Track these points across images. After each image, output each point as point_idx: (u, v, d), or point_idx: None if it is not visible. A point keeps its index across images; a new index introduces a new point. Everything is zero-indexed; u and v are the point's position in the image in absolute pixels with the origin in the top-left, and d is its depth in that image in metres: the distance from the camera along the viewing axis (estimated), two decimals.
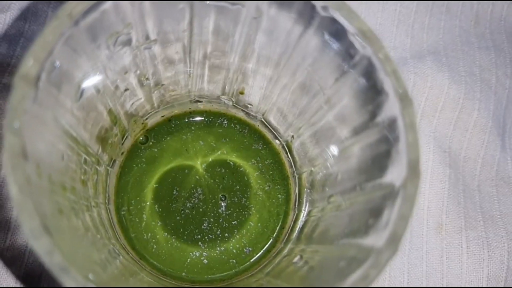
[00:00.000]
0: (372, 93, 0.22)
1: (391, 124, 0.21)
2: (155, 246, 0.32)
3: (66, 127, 0.23)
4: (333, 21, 0.21)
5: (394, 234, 0.19)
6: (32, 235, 0.17)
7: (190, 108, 0.34)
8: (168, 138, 0.34)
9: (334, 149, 0.27)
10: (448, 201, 0.37)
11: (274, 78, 0.28)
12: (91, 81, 0.24)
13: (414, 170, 0.20)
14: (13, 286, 0.32)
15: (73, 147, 0.24)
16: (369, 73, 0.22)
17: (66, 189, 0.23)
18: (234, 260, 0.32)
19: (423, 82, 0.40)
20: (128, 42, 0.24)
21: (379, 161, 0.22)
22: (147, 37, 0.25)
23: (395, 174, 0.21)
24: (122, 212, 0.32)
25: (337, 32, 0.22)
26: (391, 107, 0.21)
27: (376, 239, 0.20)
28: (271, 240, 0.33)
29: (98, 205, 0.29)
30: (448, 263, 0.35)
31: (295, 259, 0.28)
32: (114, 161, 0.32)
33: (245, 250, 0.33)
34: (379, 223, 0.20)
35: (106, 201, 0.31)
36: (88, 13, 0.20)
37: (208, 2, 0.23)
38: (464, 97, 0.39)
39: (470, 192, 0.38)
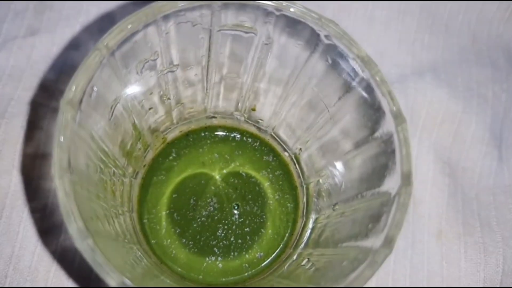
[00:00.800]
0: (371, 111, 0.25)
1: (388, 139, 0.24)
2: (174, 252, 0.35)
3: (100, 143, 0.26)
4: (335, 47, 0.24)
5: (389, 236, 0.22)
6: (76, 236, 0.20)
7: (205, 124, 0.37)
8: (186, 151, 0.37)
9: (338, 161, 0.29)
10: (447, 209, 0.39)
11: (284, 96, 0.31)
12: (121, 102, 0.27)
13: (407, 180, 0.22)
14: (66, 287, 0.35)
15: (105, 161, 0.27)
16: (368, 93, 0.24)
17: (100, 198, 0.26)
18: (247, 265, 0.35)
19: (423, 97, 0.42)
20: (153, 67, 0.27)
21: (378, 171, 0.25)
22: (171, 63, 0.28)
23: (391, 184, 0.23)
24: (144, 220, 0.35)
25: (339, 57, 0.25)
26: (387, 124, 0.24)
27: (374, 241, 0.22)
28: (281, 245, 0.35)
29: (124, 213, 0.32)
30: (447, 267, 0.38)
31: (303, 262, 0.30)
32: (137, 173, 0.35)
33: (257, 255, 0.35)
34: (377, 227, 0.23)
35: (130, 210, 0.34)
36: (123, 44, 0.23)
37: (224, 31, 0.26)
38: (462, 110, 0.42)
39: (468, 201, 0.40)
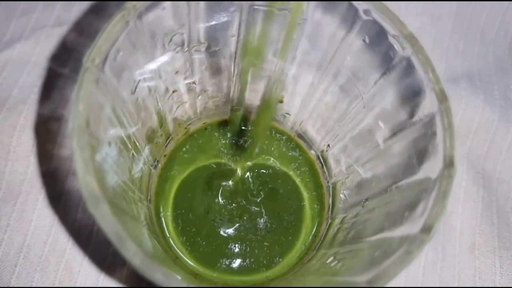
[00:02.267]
0: (410, 93, 0.23)
1: (429, 121, 0.22)
2: (189, 248, 0.33)
3: (121, 117, 0.25)
4: (375, 24, 0.23)
5: (428, 222, 0.20)
6: (91, 198, 0.18)
7: (230, 117, 0.36)
8: (208, 144, 0.36)
9: (371, 152, 0.28)
10: (481, 221, 0.37)
11: (315, 83, 0.29)
12: (145, 78, 0.26)
13: (450, 162, 0.20)
14: None
15: (124, 140, 0.26)
16: (407, 73, 0.23)
17: (118, 174, 0.24)
18: (264, 269, 0.33)
19: (457, 103, 0.40)
20: (181, 43, 0.26)
21: (416, 158, 0.23)
22: (198, 40, 0.27)
23: (430, 169, 0.22)
24: (160, 214, 0.34)
25: (378, 35, 0.23)
26: (428, 105, 0.22)
27: (411, 228, 0.20)
28: (303, 248, 0.33)
29: (142, 201, 0.30)
30: (480, 282, 0.35)
31: (328, 260, 0.28)
32: (157, 162, 0.33)
33: (276, 260, 0.33)
34: (414, 214, 0.21)
35: (148, 200, 0.32)
36: (151, 8, 0.22)
37: (256, 7, 0.25)
38: (499, 119, 0.40)
39: (503, 214, 0.38)
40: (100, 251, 0.34)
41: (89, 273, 0.33)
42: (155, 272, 0.17)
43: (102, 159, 0.22)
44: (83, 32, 0.41)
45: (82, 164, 0.18)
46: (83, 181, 0.18)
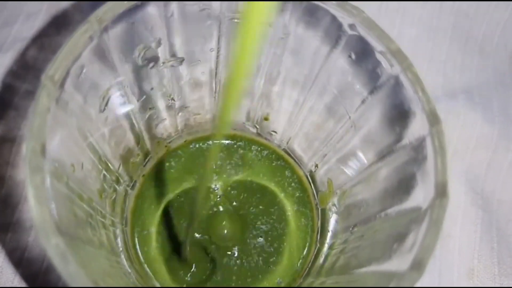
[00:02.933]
0: (399, 114, 0.21)
1: (419, 144, 0.20)
2: (169, 274, 0.31)
3: (89, 139, 0.23)
4: (361, 39, 0.21)
5: (418, 258, 0.18)
6: (42, 233, 0.16)
7: (213, 134, 0.34)
8: (190, 163, 0.34)
9: (359, 176, 0.26)
10: (480, 246, 0.35)
11: (300, 100, 0.27)
12: (116, 96, 0.24)
13: (442, 190, 0.19)
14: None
15: (94, 161, 0.24)
16: (396, 92, 0.21)
17: (83, 199, 0.22)
18: None
19: (455, 120, 0.39)
20: (155, 59, 0.24)
21: (405, 184, 0.21)
22: (174, 55, 0.25)
23: (421, 197, 0.20)
24: (137, 237, 0.31)
25: (364, 51, 0.21)
26: (418, 127, 0.20)
27: (399, 264, 0.19)
28: (292, 274, 0.31)
29: (115, 224, 0.28)
30: None
31: None
32: (135, 182, 0.32)
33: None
34: (403, 247, 0.19)
35: (124, 223, 0.30)
36: (118, 22, 0.20)
37: (236, 20, 0.23)
38: (498, 136, 0.38)
39: (504, 238, 0.36)
40: None
41: None
42: None
43: (64, 184, 0.20)
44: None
45: (34, 191, 0.17)
46: (34, 210, 0.17)
